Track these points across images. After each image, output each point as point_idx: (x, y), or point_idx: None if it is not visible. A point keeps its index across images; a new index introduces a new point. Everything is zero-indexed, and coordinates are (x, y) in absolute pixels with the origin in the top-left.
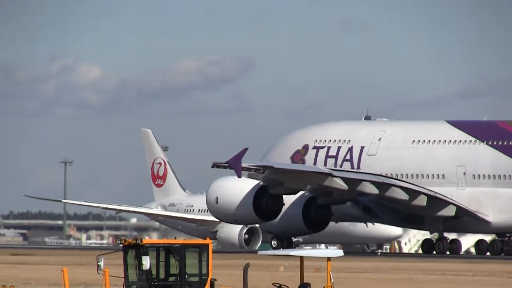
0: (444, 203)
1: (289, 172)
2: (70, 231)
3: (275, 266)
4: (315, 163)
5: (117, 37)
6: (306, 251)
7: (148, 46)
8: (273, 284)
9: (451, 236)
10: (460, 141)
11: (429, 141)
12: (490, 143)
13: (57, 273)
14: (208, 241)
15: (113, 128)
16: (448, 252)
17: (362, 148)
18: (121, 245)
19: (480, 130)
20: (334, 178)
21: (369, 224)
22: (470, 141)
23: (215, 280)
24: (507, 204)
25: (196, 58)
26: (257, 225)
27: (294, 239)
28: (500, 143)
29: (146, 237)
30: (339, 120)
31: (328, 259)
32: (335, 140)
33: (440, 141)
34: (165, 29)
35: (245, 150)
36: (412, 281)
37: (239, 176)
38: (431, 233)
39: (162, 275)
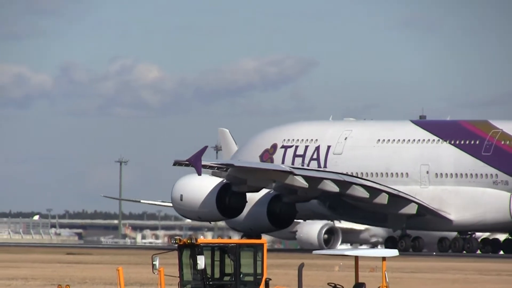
0: (406, 201)
1: (251, 170)
2: (125, 230)
3: (330, 266)
4: (283, 162)
5: (176, 37)
6: (361, 251)
7: (207, 46)
8: (328, 284)
9: (415, 233)
10: (424, 140)
11: (394, 140)
12: (453, 142)
13: (113, 273)
14: (263, 240)
15: (170, 128)
16: (411, 250)
17: (328, 147)
18: (176, 245)
19: (444, 130)
20: (295, 176)
21: None
22: (434, 140)
23: (270, 279)
24: (469, 203)
25: (255, 58)
26: (336, 225)
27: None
28: (462, 142)
29: (201, 236)
30: (309, 119)
31: (383, 259)
32: (302, 140)
33: (404, 140)
34: (224, 29)
35: (205, 148)
36: (468, 281)
37: (199, 174)
38: (394, 231)
39: (217, 274)
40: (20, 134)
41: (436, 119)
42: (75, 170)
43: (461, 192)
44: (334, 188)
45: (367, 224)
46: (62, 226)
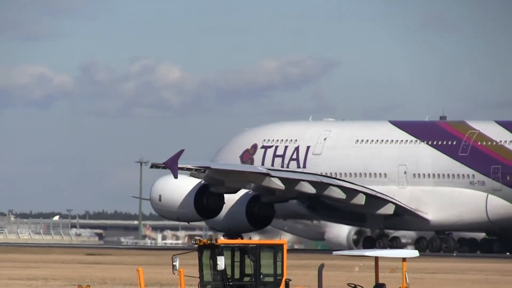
0: (383, 201)
1: (228, 172)
2: (145, 231)
3: (350, 267)
4: (263, 163)
5: (198, 38)
6: (381, 251)
7: (229, 46)
8: (348, 284)
9: (395, 233)
10: (402, 140)
11: (373, 141)
12: (430, 143)
13: (133, 273)
14: (282, 241)
15: (191, 128)
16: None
17: (308, 147)
18: (196, 245)
19: (421, 130)
20: (271, 178)
21: None
22: (412, 141)
23: (290, 280)
24: (446, 203)
25: (277, 58)
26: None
27: None
28: (440, 143)
29: (221, 237)
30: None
31: (404, 259)
32: (282, 140)
33: (383, 140)
34: (245, 29)
35: (182, 151)
36: (488, 282)
37: (176, 177)
38: (372, 231)
39: (237, 275)
40: (41, 134)
41: (414, 120)
42: (95, 170)
43: (438, 192)
44: (311, 190)
45: (346, 224)
46: (82, 226)
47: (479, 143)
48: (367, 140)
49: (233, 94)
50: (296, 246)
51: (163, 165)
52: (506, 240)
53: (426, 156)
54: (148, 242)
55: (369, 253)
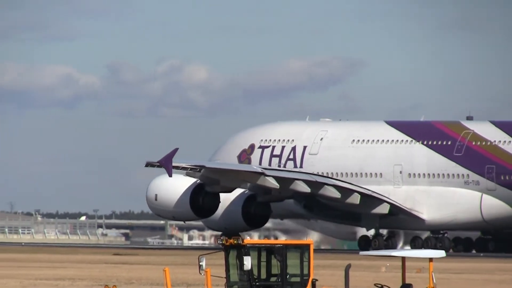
0: (378, 201)
1: (223, 171)
2: (172, 231)
3: (376, 267)
4: (260, 162)
5: (225, 38)
6: (408, 252)
7: (255, 46)
8: (375, 284)
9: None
10: (397, 140)
11: (368, 140)
12: (425, 143)
13: (159, 273)
14: (309, 241)
15: (218, 129)
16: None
17: (305, 147)
18: (222, 246)
19: (416, 130)
20: (266, 177)
21: None
22: (407, 141)
23: (317, 280)
24: (441, 202)
25: (303, 58)
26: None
27: None
28: (435, 143)
29: (248, 237)
30: (281, 120)
31: (430, 259)
32: (279, 140)
33: (378, 140)
34: (272, 30)
35: (176, 150)
36: None
37: (170, 176)
38: (367, 230)
39: (263, 275)
40: (68, 134)
41: (409, 120)
42: (122, 170)
43: (433, 192)
44: (306, 189)
45: (342, 224)
46: (109, 226)
47: (473, 143)
48: (363, 140)
49: (259, 95)
50: (322, 246)
51: (158, 164)
52: (501, 239)
53: (421, 156)
54: (174, 242)
55: (396, 253)
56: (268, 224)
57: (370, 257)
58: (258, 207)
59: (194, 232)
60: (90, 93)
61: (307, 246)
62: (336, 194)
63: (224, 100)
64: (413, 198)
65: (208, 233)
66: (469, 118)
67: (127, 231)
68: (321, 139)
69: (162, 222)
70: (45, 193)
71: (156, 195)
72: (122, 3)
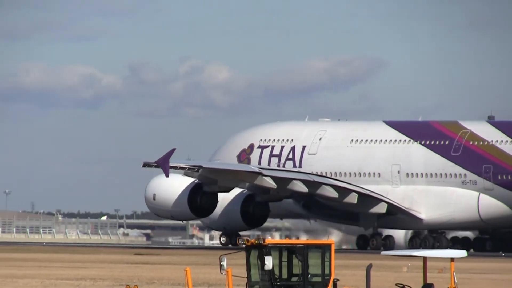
0: (376, 200)
1: (221, 171)
2: (193, 231)
3: (398, 267)
4: (259, 162)
5: (246, 38)
6: (429, 252)
7: (277, 46)
8: (396, 284)
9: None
10: (396, 140)
11: (367, 140)
12: (423, 142)
13: (180, 273)
14: (330, 241)
15: (239, 128)
16: (382, 248)
17: (303, 147)
18: (243, 245)
19: (414, 130)
20: (263, 177)
21: None
22: (405, 140)
23: (338, 280)
24: (439, 202)
25: (325, 58)
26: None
27: None
28: (433, 142)
29: (269, 237)
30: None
31: (452, 259)
32: (278, 140)
33: (377, 140)
34: (293, 30)
35: (173, 150)
36: None
37: (167, 176)
38: (365, 230)
39: (284, 275)
40: (89, 134)
41: (407, 120)
42: (143, 170)
43: (431, 192)
44: (303, 189)
45: (340, 223)
46: (130, 226)
47: (471, 142)
48: (362, 140)
49: (281, 94)
50: (344, 246)
51: (155, 164)
52: (498, 239)
53: (419, 155)
54: (195, 242)
55: (417, 253)
56: (287, 224)
57: (392, 257)
58: (256, 207)
59: (215, 232)
60: (112, 93)
61: (328, 246)
62: (333, 193)
63: (245, 100)
64: (411, 197)
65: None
66: (491, 118)
67: (148, 231)
68: (320, 139)
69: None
70: (66, 193)
71: (154, 194)
72: (145, 3)
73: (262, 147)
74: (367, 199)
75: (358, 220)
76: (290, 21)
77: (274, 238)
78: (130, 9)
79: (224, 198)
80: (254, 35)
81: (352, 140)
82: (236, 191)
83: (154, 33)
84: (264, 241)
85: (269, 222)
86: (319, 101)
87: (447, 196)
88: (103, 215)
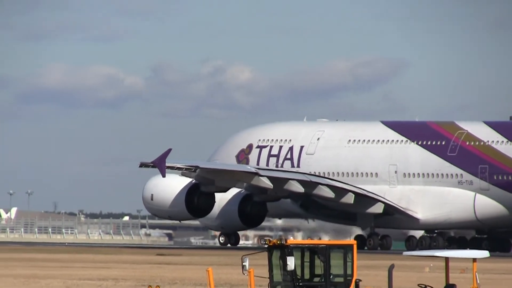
0: (373, 200)
1: (218, 171)
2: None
3: (420, 267)
4: (258, 162)
5: (268, 39)
6: (452, 252)
7: (299, 47)
8: (418, 285)
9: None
10: (393, 141)
11: (364, 140)
12: (420, 143)
13: (202, 273)
14: (352, 241)
15: None
16: (379, 248)
17: (301, 147)
18: (266, 246)
19: (411, 131)
20: (260, 177)
21: None
22: (402, 141)
23: (360, 280)
24: (436, 202)
25: (348, 59)
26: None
27: None
28: (429, 143)
29: (291, 237)
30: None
31: (474, 260)
32: (277, 140)
33: (374, 141)
34: (316, 30)
35: (169, 150)
36: None
37: (163, 176)
38: (362, 230)
39: (307, 275)
40: (111, 135)
41: (405, 120)
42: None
43: (428, 192)
44: (300, 189)
45: (336, 223)
46: (152, 226)
47: (467, 143)
48: (359, 140)
49: (303, 95)
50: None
51: (152, 164)
52: (495, 238)
53: (416, 156)
54: (217, 242)
55: (440, 254)
56: (312, 224)
57: (414, 257)
58: (254, 207)
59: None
60: (135, 94)
61: (350, 246)
62: (330, 194)
63: (268, 100)
64: (408, 197)
65: (251, 233)
66: None
67: (170, 231)
68: (318, 139)
69: None
70: (88, 193)
71: (152, 194)
72: (167, 4)
73: (261, 147)
74: (364, 199)
75: (354, 220)
76: (312, 22)
77: (296, 239)
78: (153, 10)
79: (222, 198)
80: (276, 36)
81: (350, 140)
82: (234, 191)
83: (177, 34)
84: (286, 241)
85: (291, 222)
86: (342, 102)
87: (443, 196)
88: (125, 215)
